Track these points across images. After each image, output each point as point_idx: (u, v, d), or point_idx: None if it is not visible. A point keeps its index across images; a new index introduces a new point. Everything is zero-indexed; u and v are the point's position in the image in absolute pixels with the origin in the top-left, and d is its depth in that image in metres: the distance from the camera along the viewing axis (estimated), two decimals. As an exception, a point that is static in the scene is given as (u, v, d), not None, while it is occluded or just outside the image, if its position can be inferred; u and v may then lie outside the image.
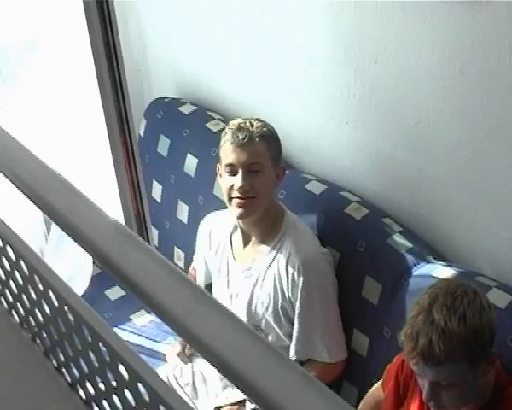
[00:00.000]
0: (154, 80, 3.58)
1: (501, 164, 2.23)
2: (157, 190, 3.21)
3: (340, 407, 0.68)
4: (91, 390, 1.05)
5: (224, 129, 2.98)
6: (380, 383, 2.23)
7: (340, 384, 2.50)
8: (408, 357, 1.84)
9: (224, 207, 2.52)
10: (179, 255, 3.11)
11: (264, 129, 2.41)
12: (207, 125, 3.05)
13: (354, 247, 2.44)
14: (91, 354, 0.99)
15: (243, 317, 2.47)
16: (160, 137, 3.19)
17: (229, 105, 3.14)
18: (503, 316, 2.06)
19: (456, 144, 2.34)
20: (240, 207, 2.38)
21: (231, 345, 0.75)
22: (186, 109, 3.18)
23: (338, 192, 2.63)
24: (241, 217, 2.41)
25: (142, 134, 3.31)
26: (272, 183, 2.42)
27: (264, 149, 2.39)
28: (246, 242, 2.51)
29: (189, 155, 3.03)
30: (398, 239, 2.43)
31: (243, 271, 2.50)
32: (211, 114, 3.12)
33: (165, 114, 3.23)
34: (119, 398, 0.96)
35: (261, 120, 2.45)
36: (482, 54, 2.17)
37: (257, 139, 2.38)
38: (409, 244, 2.41)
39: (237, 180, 2.37)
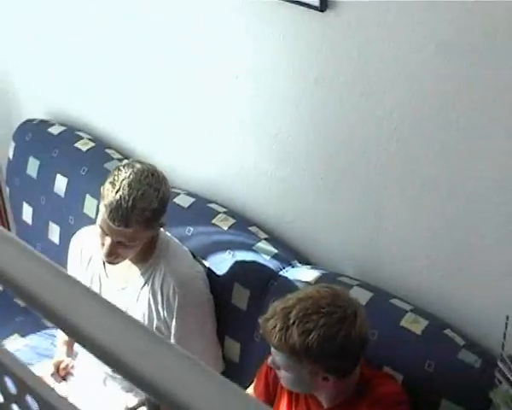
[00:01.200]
0: (23, 104, 3.54)
1: (355, 167, 2.36)
2: (27, 213, 3.18)
3: (230, 389, 0.72)
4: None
5: (94, 148, 3.03)
6: (252, 386, 2.29)
7: (215, 392, 2.54)
8: (261, 322, 1.96)
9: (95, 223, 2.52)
10: (52, 276, 3.07)
11: (146, 213, 2.23)
12: (76, 144, 3.06)
13: (222, 256, 2.51)
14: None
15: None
16: (29, 159, 3.16)
17: (98, 124, 3.16)
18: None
19: (314, 152, 2.45)
20: (106, 260, 2.38)
21: (116, 336, 0.78)
22: (55, 130, 3.18)
23: (206, 204, 2.70)
24: (109, 264, 2.42)
25: (10, 157, 3.27)
26: (146, 240, 2.36)
27: (139, 232, 2.27)
28: None
29: (58, 175, 3.02)
30: (264, 246, 2.51)
31: (117, 290, 2.48)
32: (80, 133, 3.13)
33: (33, 136, 3.21)
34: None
35: (150, 192, 2.25)
36: (334, 63, 2.29)
37: (133, 225, 2.23)
38: (274, 250, 2.50)
39: (105, 245, 2.30)
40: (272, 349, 1.97)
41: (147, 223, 2.27)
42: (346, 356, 1.94)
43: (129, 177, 2.25)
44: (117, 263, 2.38)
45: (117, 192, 2.22)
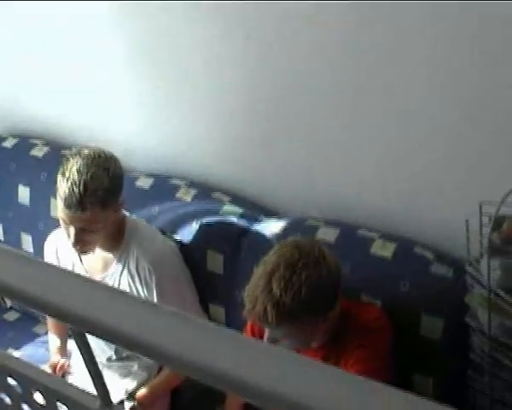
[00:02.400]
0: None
1: (299, 114, 2.43)
2: (-2, 230, 3.20)
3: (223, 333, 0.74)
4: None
5: (49, 152, 3.05)
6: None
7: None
8: (247, 316, 1.99)
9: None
10: (34, 285, 3.10)
11: (99, 192, 2.27)
12: (32, 152, 3.08)
13: (191, 226, 2.55)
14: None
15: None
16: (-12, 178, 3.18)
17: (49, 128, 3.19)
18: (333, 249, 2.21)
19: (257, 105, 2.50)
20: (76, 250, 2.41)
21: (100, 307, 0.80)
22: (8, 143, 3.19)
23: (166, 181, 2.74)
24: (80, 254, 2.47)
25: (-29, 180, 3.29)
26: (109, 223, 2.39)
27: (97, 214, 2.30)
28: (94, 254, 2.54)
29: (20, 185, 3.05)
30: (230, 208, 2.56)
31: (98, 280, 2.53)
32: (33, 141, 3.15)
33: (-12, 154, 3.23)
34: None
35: (99, 172, 2.28)
36: (267, 21, 2.34)
37: (89, 208, 2.27)
38: (240, 210, 2.55)
39: (70, 235, 2.34)
40: (268, 330, 1.98)
41: (102, 203, 2.30)
42: (334, 287, 1.99)
43: (77, 163, 2.30)
44: (88, 251, 2.43)
45: (67, 180, 2.27)
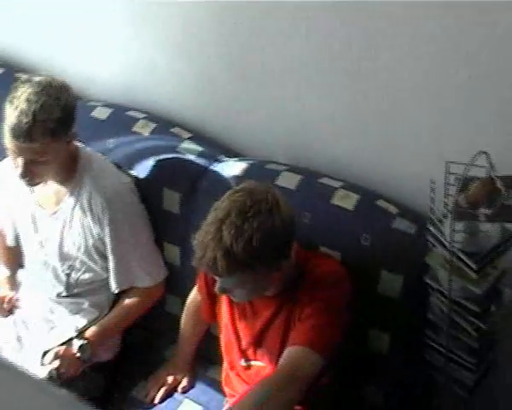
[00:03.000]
0: None
1: (269, 52, 2.32)
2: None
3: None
4: None
5: (2, 73, 2.91)
6: (196, 286, 2.27)
7: (163, 301, 2.52)
8: (197, 264, 1.89)
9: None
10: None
11: (49, 123, 2.15)
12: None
13: (147, 162, 2.44)
14: None
15: (56, 259, 2.43)
16: None
17: (7, 54, 3.04)
18: (294, 196, 2.13)
19: (224, 41, 2.38)
20: (24, 182, 2.30)
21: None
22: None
23: (124, 113, 2.61)
24: (29, 186, 2.35)
25: None
26: (60, 155, 2.27)
27: (47, 145, 2.19)
28: (46, 187, 2.44)
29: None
30: (188, 145, 2.45)
31: (49, 215, 2.43)
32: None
33: None
34: None
35: (50, 102, 2.16)
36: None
37: (38, 138, 2.16)
38: (199, 148, 2.44)
39: (18, 166, 2.23)
40: (219, 279, 1.90)
41: (53, 134, 2.19)
42: (287, 235, 1.90)
43: (27, 91, 2.18)
44: (37, 184, 2.33)
45: (16, 109, 2.16)
